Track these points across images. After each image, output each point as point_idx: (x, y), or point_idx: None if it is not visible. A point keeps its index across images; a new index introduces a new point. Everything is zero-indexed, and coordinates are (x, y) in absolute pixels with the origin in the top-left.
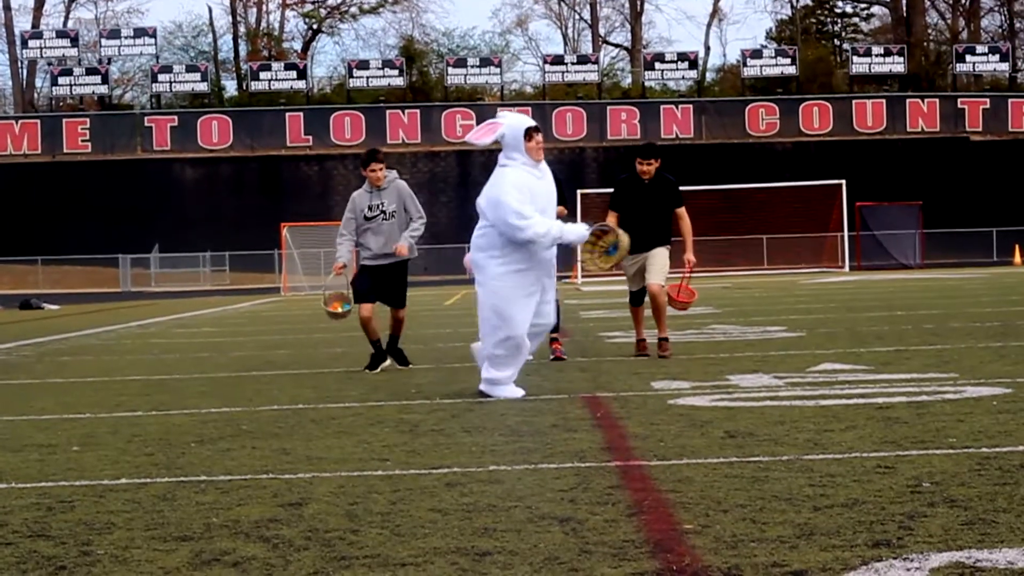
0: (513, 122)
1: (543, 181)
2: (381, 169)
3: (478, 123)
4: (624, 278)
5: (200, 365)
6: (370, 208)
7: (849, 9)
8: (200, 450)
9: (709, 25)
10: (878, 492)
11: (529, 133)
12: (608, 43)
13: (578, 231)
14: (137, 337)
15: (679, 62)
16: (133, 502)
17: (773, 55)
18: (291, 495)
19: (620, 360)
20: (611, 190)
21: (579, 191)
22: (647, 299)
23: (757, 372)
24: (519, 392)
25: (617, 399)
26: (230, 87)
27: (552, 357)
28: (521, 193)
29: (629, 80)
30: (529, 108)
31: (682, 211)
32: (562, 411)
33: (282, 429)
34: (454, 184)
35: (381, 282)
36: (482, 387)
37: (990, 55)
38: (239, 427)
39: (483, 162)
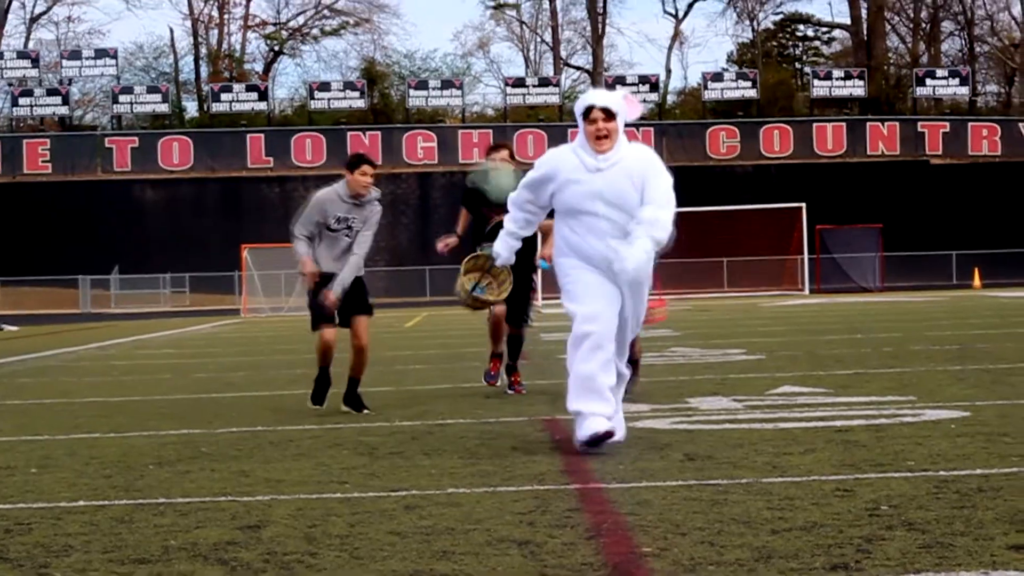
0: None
1: (600, 174)
2: (371, 176)
3: (439, 146)
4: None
5: (159, 387)
6: (338, 220)
7: (810, 33)
8: (159, 472)
9: (670, 48)
10: (836, 515)
11: (587, 112)
12: (569, 65)
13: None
14: (96, 359)
15: (640, 85)
16: (91, 524)
17: (734, 78)
18: (249, 518)
19: None
20: None
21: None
22: None
23: (716, 395)
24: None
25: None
26: (191, 108)
27: (510, 390)
28: (534, 187)
29: None
30: (491, 131)
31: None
32: (522, 434)
33: (241, 451)
34: (415, 206)
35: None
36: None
37: (950, 79)
38: (198, 449)
39: (443, 184)
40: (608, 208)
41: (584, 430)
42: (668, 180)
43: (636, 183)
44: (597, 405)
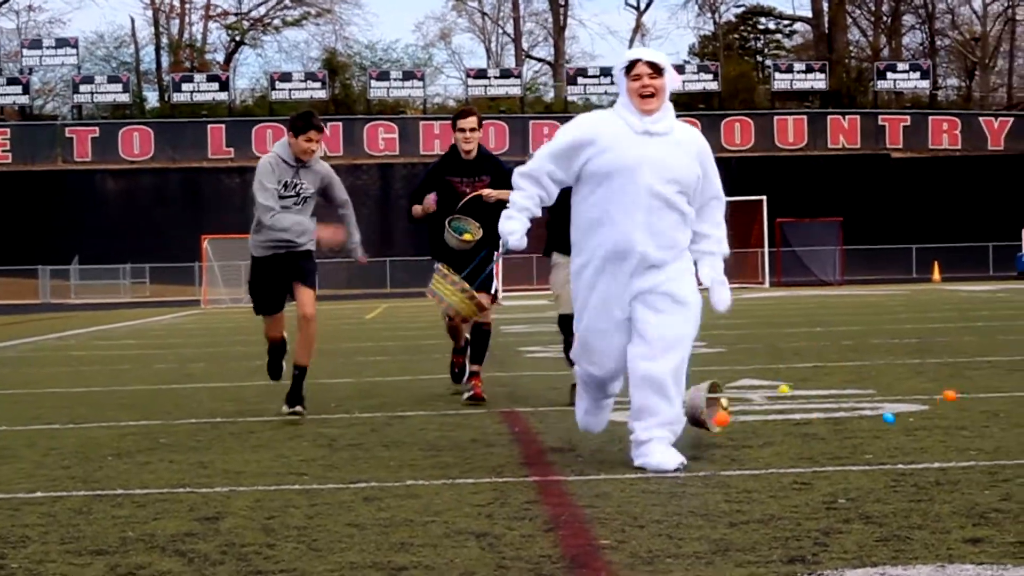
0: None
1: (650, 139)
2: (319, 141)
3: (400, 137)
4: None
5: (119, 378)
6: (286, 186)
7: (772, 26)
8: (117, 463)
9: (632, 40)
10: (794, 508)
11: (630, 67)
12: (531, 57)
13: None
14: (56, 349)
15: (602, 77)
16: (48, 516)
17: (696, 70)
18: (208, 509)
19: (539, 375)
20: None
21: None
22: None
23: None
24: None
25: (535, 414)
26: (152, 98)
27: (469, 396)
28: (562, 155)
29: (552, 94)
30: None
31: None
32: (481, 426)
33: (200, 443)
34: (376, 197)
35: (283, 271)
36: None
37: (911, 72)
38: (157, 440)
39: (405, 175)
40: (655, 178)
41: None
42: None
43: (696, 164)
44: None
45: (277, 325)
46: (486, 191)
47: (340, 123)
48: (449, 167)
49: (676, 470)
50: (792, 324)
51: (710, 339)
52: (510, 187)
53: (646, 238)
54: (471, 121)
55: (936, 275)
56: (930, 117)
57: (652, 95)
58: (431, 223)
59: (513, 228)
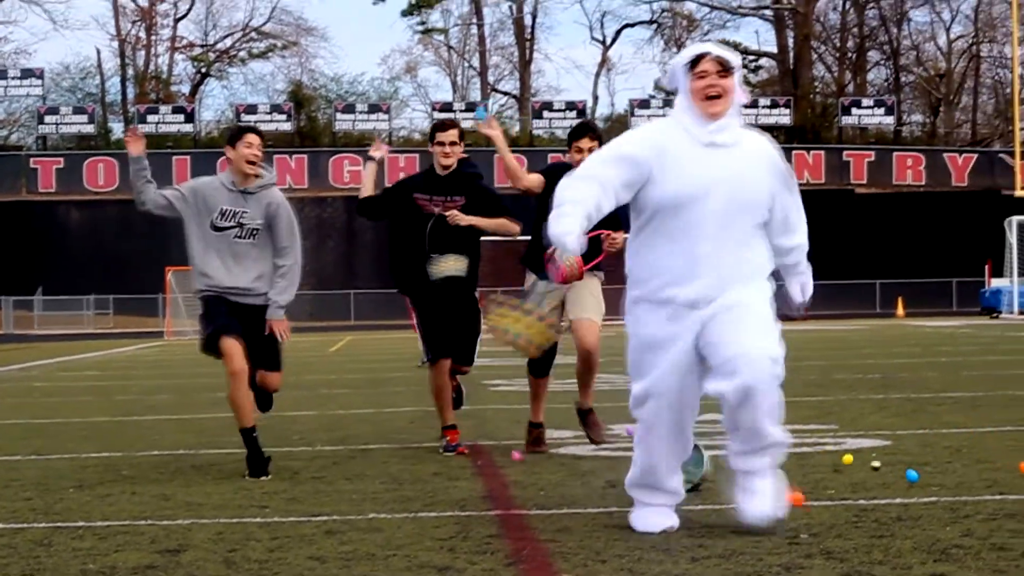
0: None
1: (715, 152)
2: (259, 148)
3: (365, 168)
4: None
5: (81, 409)
6: (223, 214)
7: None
8: (79, 495)
9: (598, 75)
10: (756, 543)
11: (697, 60)
12: (497, 91)
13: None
14: (18, 380)
15: (567, 111)
16: (9, 547)
17: (661, 105)
18: (169, 541)
19: (503, 408)
20: None
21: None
22: (569, 357)
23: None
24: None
25: (499, 447)
26: (117, 129)
27: (445, 447)
28: (613, 163)
29: (518, 128)
30: (417, 155)
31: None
32: (444, 459)
33: (162, 475)
34: (341, 230)
35: (244, 328)
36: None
37: (875, 108)
38: (119, 472)
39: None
40: (722, 203)
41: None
42: None
43: (769, 177)
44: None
45: (239, 358)
46: (451, 212)
47: (305, 155)
48: (419, 182)
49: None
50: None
51: None
52: (488, 211)
53: (714, 274)
54: (451, 134)
55: (900, 310)
56: (894, 153)
57: (719, 96)
58: (395, 253)
59: (568, 227)
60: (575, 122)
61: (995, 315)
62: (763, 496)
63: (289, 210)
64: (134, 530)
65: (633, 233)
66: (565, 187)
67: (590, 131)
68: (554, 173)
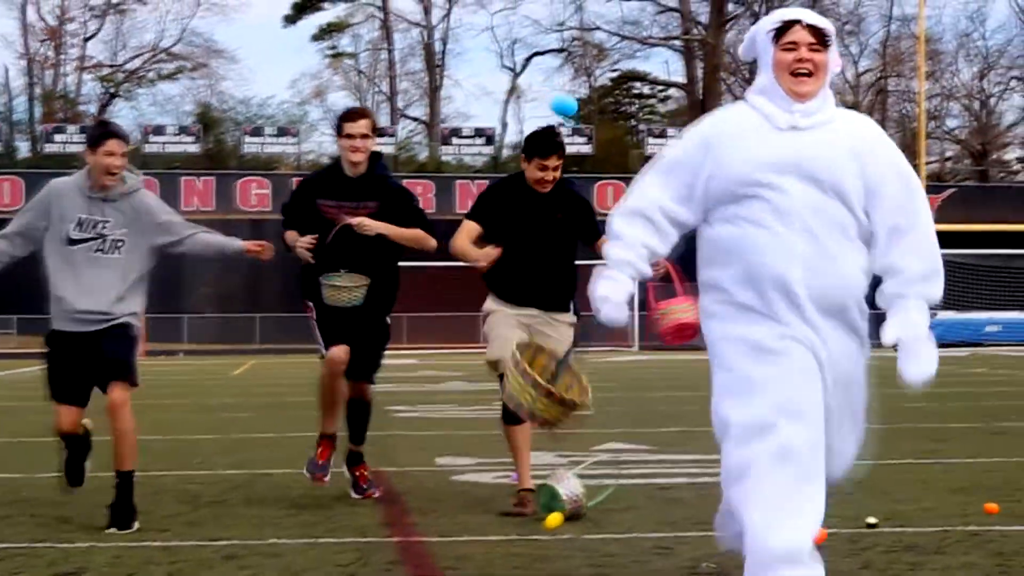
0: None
1: (798, 135)
2: (123, 157)
3: (273, 193)
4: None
5: None
6: (81, 224)
7: (646, 91)
8: None
9: (507, 102)
10: (655, 573)
11: (785, 27)
12: (406, 116)
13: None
14: None
15: (476, 137)
16: None
17: (569, 133)
18: (67, 564)
19: (405, 434)
20: None
21: None
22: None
23: (541, 450)
24: None
25: (400, 474)
26: (23, 148)
27: (356, 490)
28: (679, 175)
29: (426, 154)
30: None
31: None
32: (345, 485)
33: (62, 497)
34: None
35: (86, 357)
36: None
37: None
38: (19, 494)
39: (277, 231)
40: (807, 188)
41: None
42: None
43: (858, 166)
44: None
45: (73, 420)
46: (358, 219)
47: (213, 178)
48: (324, 185)
49: None
50: (659, 388)
51: None
52: (405, 220)
53: (802, 272)
54: (362, 125)
55: None
56: None
57: (809, 74)
58: (307, 268)
59: (607, 292)
60: (484, 150)
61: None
62: None
63: (161, 204)
64: (32, 552)
65: (704, 228)
66: (611, 236)
67: (558, 149)
68: (494, 195)
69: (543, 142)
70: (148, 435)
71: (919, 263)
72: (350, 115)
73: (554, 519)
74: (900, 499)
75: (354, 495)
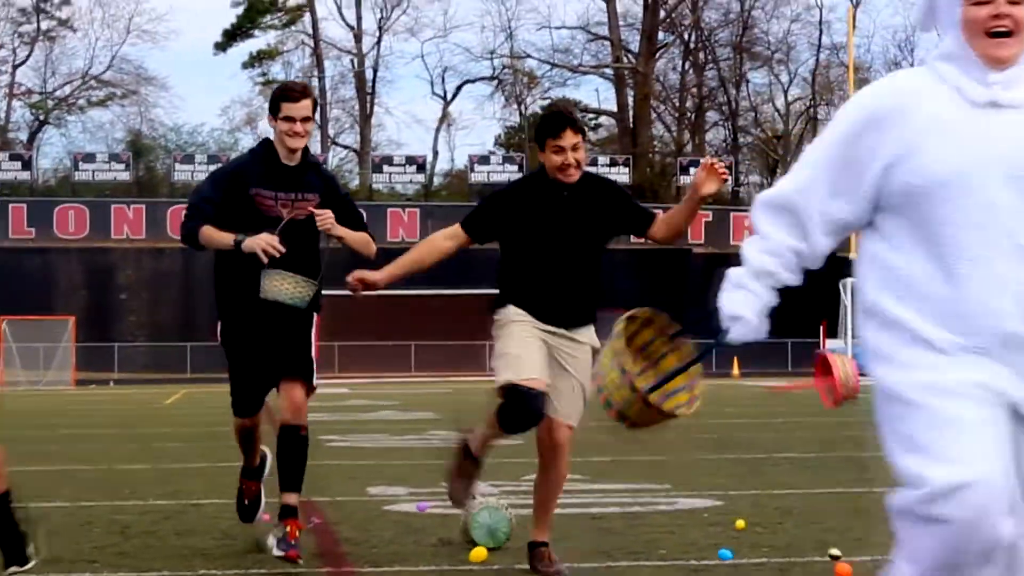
0: None
1: (1000, 115)
2: None
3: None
4: None
5: None
6: None
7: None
8: None
9: (438, 130)
10: None
11: None
12: (337, 144)
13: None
14: None
15: (407, 165)
16: None
17: (501, 161)
18: None
19: (336, 464)
20: None
21: None
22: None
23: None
24: None
25: (332, 503)
26: None
27: (281, 550)
28: (842, 163)
29: (357, 182)
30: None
31: (656, 224)
32: (277, 515)
33: None
34: (179, 282)
35: None
36: None
37: None
38: None
39: (208, 259)
40: (1000, 194)
41: None
42: None
43: None
44: None
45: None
46: (323, 213)
47: (143, 205)
48: (258, 173)
49: None
50: (591, 418)
51: None
52: (349, 219)
53: (1014, 306)
54: (304, 107)
55: (736, 371)
56: (732, 213)
57: (1010, 33)
58: (223, 272)
59: (738, 310)
60: (415, 177)
61: None
62: None
63: None
64: None
65: (870, 233)
66: (752, 228)
67: (571, 123)
68: (507, 199)
69: (551, 119)
70: (78, 465)
71: None
72: (290, 93)
73: (479, 552)
74: (830, 528)
75: (277, 553)
